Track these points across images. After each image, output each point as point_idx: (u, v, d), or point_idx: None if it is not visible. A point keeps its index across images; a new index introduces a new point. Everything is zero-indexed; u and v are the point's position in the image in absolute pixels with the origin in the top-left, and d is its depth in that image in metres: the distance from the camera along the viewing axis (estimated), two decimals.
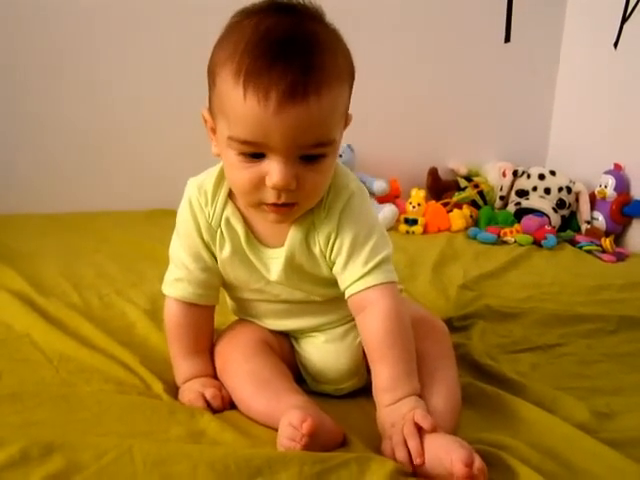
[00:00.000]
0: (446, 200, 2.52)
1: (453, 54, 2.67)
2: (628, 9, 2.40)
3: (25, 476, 0.71)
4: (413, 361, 0.94)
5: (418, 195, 2.42)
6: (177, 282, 1.03)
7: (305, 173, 0.87)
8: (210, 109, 0.92)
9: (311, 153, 0.87)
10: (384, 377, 0.92)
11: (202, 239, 1.00)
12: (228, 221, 0.98)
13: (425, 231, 2.35)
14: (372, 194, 2.39)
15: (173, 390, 1.02)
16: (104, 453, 0.75)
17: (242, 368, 0.99)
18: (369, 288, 0.94)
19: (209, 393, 0.98)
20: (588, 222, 2.42)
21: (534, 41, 2.76)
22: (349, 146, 2.36)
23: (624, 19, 2.42)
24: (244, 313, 1.10)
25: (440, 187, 2.64)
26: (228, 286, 1.07)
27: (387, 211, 2.31)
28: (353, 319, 1.00)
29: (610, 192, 2.38)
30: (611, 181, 2.39)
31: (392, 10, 2.50)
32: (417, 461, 0.81)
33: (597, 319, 1.45)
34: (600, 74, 2.59)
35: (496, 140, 2.82)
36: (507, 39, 2.68)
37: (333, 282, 0.99)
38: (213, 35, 0.91)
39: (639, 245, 2.35)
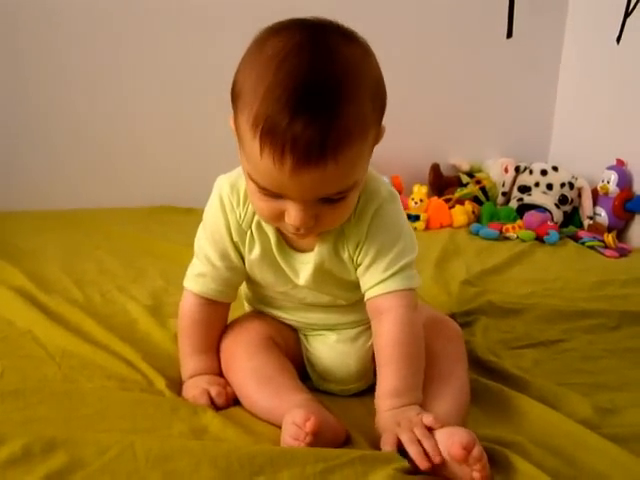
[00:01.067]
0: (448, 196, 2.51)
1: (455, 50, 2.66)
2: (631, 4, 2.39)
3: (27, 473, 0.71)
4: (421, 372, 0.94)
5: (420, 191, 2.41)
6: (199, 277, 1.02)
7: (326, 212, 0.87)
8: (234, 123, 0.88)
9: (331, 199, 0.86)
10: (390, 382, 0.92)
11: (231, 238, 0.99)
12: (259, 224, 0.97)
13: (427, 227, 2.34)
14: None
15: (176, 386, 1.02)
16: (106, 449, 0.75)
17: (246, 365, 0.99)
18: (387, 294, 0.95)
19: (214, 390, 0.98)
20: (590, 218, 2.42)
21: (536, 37, 2.75)
22: None
23: (627, 14, 2.41)
24: (259, 302, 1.10)
25: (442, 183, 2.63)
26: (252, 282, 1.06)
27: None
28: (368, 323, 1.00)
29: (612, 188, 2.37)
30: (613, 177, 2.38)
31: (394, 7, 2.49)
32: (436, 460, 0.80)
33: (600, 315, 1.45)
34: (602, 69, 2.58)
35: (498, 136, 2.82)
36: (509, 34, 2.67)
37: (359, 285, 0.99)
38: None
39: None
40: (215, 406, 0.97)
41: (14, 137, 2.15)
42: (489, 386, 1.06)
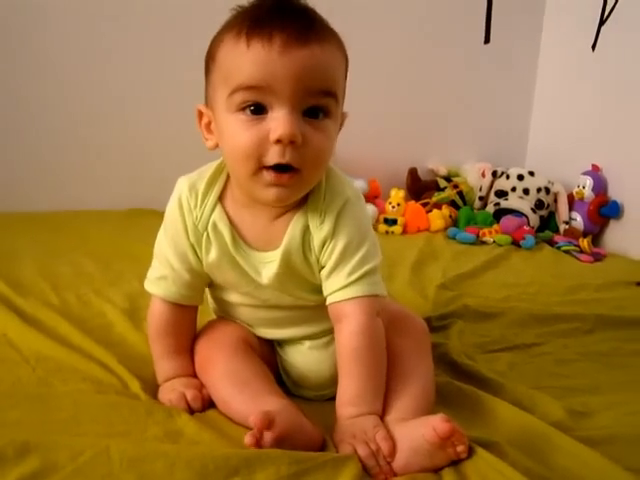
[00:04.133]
0: (425, 200, 2.53)
1: (433, 55, 2.68)
2: (605, 12, 2.42)
3: (0, 476, 0.71)
4: (381, 381, 0.93)
5: (397, 195, 2.42)
6: (161, 280, 1.01)
7: (309, 131, 0.86)
8: (206, 100, 0.93)
9: (315, 103, 0.86)
10: (349, 391, 0.92)
11: (189, 240, 0.98)
12: (215, 225, 0.97)
13: (404, 231, 2.36)
14: None
15: (151, 389, 1.02)
16: (80, 453, 0.75)
17: (222, 368, 0.98)
18: (348, 300, 0.94)
19: (190, 394, 0.97)
20: (566, 222, 2.44)
21: (513, 42, 2.78)
22: None
23: (601, 22, 2.44)
24: (226, 315, 1.09)
25: (419, 187, 2.65)
26: (215, 287, 1.06)
27: None
28: None
29: (588, 193, 2.40)
30: (589, 182, 2.41)
31: (372, 11, 2.50)
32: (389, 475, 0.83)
33: (574, 319, 1.46)
34: (578, 76, 2.61)
35: (475, 141, 2.84)
36: (487, 40, 2.70)
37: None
38: (207, 36, 0.91)
39: (616, 245, 2.38)
40: (191, 410, 0.96)
41: None
42: (464, 389, 1.06)
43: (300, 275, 0.98)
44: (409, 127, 2.70)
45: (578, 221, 2.43)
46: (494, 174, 2.58)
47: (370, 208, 2.33)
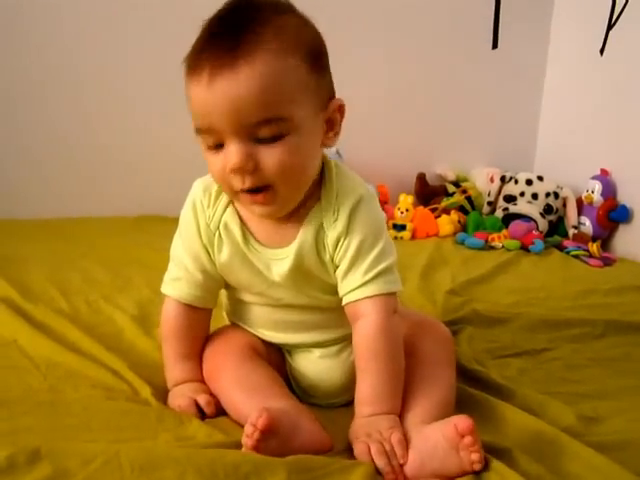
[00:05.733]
0: (434, 206, 2.52)
1: (441, 60, 2.68)
2: (613, 16, 2.42)
3: None
4: (398, 380, 0.94)
5: (406, 201, 2.42)
6: (175, 281, 1.02)
7: (265, 153, 0.86)
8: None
9: (263, 134, 0.85)
10: (366, 390, 0.92)
11: (201, 241, 0.99)
12: (226, 224, 0.98)
13: (413, 237, 2.35)
14: None
15: (162, 395, 1.02)
16: (91, 459, 0.75)
17: (231, 374, 0.98)
18: (366, 298, 0.94)
19: (203, 399, 0.97)
20: (575, 227, 2.43)
21: (521, 47, 2.77)
22: (337, 151, 2.36)
23: (609, 26, 2.44)
24: (239, 318, 1.09)
25: (428, 193, 2.65)
26: (229, 287, 1.06)
27: None
28: (349, 337, 0.99)
29: (597, 197, 2.39)
30: (598, 186, 2.40)
31: (380, 16, 2.51)
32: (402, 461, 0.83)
33: (584, 324, 1.45)
34: (586, 80, 2.61)
35: (484, 146, 2.83)
36: (494, 45, 2.70)
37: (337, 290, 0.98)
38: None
39: (625, 250, 2.37)
40: (202, 415, 0.96)
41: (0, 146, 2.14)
42: (474, 395, 1.06)
43: (313, 274, 0.98)
44: (417, 133, 2.70)
45: (587, 226, 2.42)
46: (502, 179, 2.57)
47: None
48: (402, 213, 2.38)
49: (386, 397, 0.91)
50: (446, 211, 2.50)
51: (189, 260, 1.00)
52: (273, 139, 0.86)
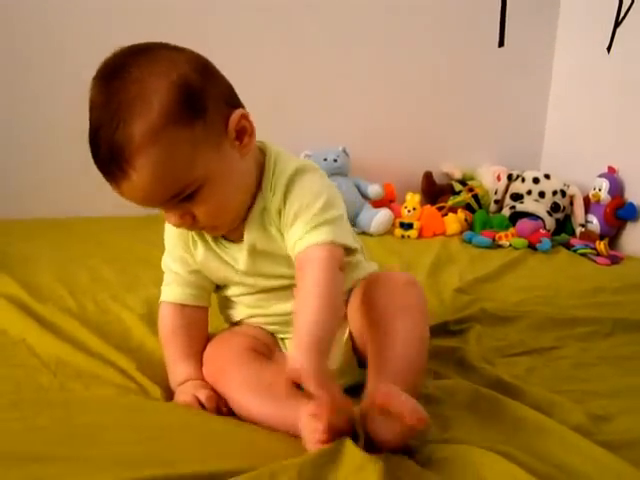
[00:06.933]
0: (441, 204, 2.52)
1: (447, 58, 2.68)
2: (621, 14, 2.41)
3: None
4: (332, 324, 0.87)
5: (413, 199, 2.42)
6: (167, 287, 1.09)
7: (193, 208, 0.93)
8: None
9: (182, 198, 0.91)
10: (306, 320, 0.86)
11: (180, 244, 1.06)
12: None
13: (420, 235, 2.35)
14: (367, 198, 2.40)
15: (171, 395, 1.02)
16: None
17: (237, 376, 0.98)
18: (309, 247, 0.92)
19: (203, 395, 0.97)
20: (582, 225, 2.43)
21: (528, 45, 2.77)
22: (344, 150, 2.35)
23: (617, 24, 2.43)
24: (231, 314, 1.12)
25: (435, 191, 2.65)
26: (218, 287, 1.11)
27: (382, 215, 2.31)
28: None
29: (604, 195, 2.39)
30: (605, 184, 2.40)
31: (387, 15, 2.51)
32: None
33: (592, 322, 1.45)
34: (593, 78, 2.60)
35: (490, 144, 2.83)
36: (501, 44, 2.69)
37: None
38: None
39: (633, 248, 2.36)
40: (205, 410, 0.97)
41: (5, 145, 2.15)
42: (483, 393, 1.05)
43: (270, 253, 1.01)
44: (424, 131, 2.70)
45: (594, 224, 2.42)
46: (509, 177, 2.57)
47: (386, 212, 2.33)
48: (409, 212, 2.38)
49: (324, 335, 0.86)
50: (453, 209, 2.49)
51: (177, 265, 1.07)
52: (191, 196, 0.92)
